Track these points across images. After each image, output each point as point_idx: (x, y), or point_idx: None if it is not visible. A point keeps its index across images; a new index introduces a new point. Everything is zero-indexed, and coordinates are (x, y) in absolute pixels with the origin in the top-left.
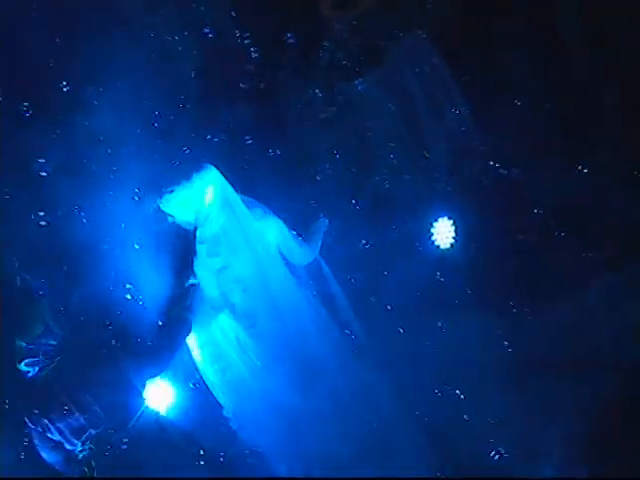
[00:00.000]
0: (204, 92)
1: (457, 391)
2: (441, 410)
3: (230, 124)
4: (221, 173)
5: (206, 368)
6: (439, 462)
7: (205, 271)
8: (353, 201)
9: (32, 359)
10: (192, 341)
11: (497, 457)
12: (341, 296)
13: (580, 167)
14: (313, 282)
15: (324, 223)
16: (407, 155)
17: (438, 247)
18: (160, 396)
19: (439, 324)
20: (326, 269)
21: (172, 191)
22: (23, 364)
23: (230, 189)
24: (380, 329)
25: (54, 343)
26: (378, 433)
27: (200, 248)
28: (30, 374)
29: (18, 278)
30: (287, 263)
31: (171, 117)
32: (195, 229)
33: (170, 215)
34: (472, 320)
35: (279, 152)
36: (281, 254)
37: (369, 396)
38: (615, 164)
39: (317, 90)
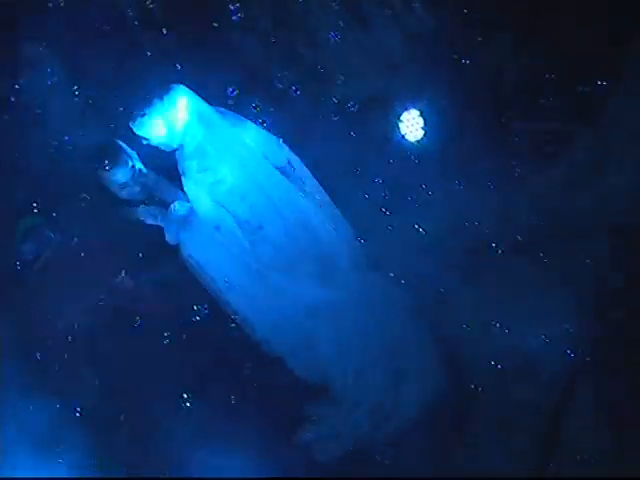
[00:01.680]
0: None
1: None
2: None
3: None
4: (191, 89)
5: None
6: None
7: (198, 187)
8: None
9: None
10: (197, 256)
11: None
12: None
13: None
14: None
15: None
16: (361, 53)
17: (409, 140)
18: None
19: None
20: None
21: (144, 114)
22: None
23: (202, 102)
24: (373, 228)
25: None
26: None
27: (189, 165)
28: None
29: None
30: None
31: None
32: (180, 147)
33: (145, 138)
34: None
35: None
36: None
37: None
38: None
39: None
